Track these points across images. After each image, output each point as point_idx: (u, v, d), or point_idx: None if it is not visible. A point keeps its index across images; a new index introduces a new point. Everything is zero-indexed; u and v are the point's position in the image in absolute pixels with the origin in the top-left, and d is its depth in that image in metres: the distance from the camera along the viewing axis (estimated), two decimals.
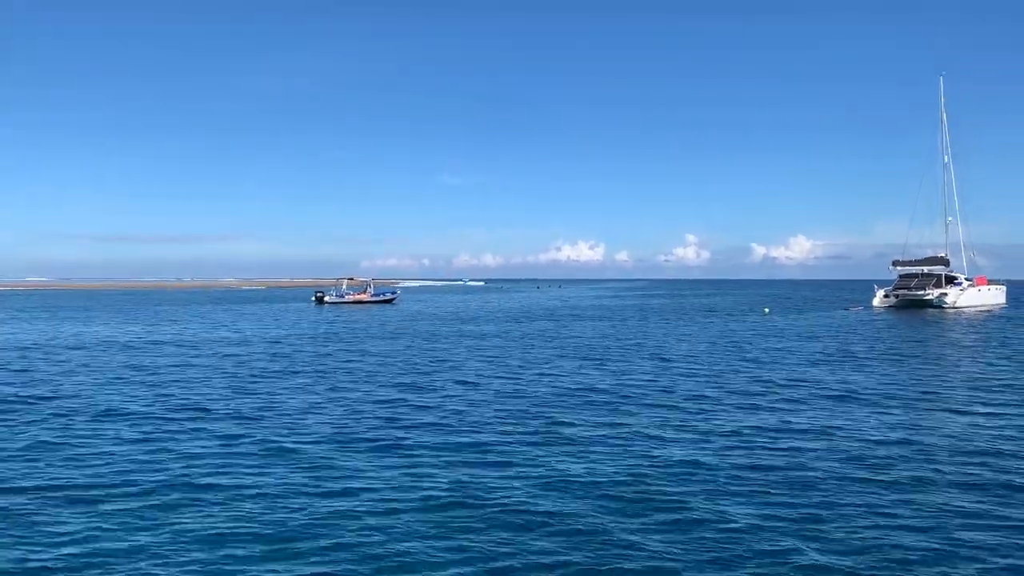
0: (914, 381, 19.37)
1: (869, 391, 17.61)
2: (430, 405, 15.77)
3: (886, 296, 63.90)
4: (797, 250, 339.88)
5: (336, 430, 13.19)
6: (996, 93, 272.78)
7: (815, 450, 11.66)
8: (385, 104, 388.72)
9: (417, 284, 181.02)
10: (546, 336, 34.45)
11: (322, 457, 11.23)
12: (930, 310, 57.42)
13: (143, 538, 7.85)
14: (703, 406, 15.63)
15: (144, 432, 12.96)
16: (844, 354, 26.21)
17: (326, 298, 69.99)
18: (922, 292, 60.90)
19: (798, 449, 11.73)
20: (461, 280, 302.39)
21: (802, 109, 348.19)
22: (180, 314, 55.52)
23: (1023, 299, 76.73)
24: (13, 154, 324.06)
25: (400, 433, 12.94)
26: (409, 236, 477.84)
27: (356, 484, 9.77)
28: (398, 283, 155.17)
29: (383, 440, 12.38)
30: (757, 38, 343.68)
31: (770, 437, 12.59)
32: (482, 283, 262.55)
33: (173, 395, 17.02)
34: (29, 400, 16.45)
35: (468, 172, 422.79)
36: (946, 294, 59.68)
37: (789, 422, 13.91)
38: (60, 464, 10.80)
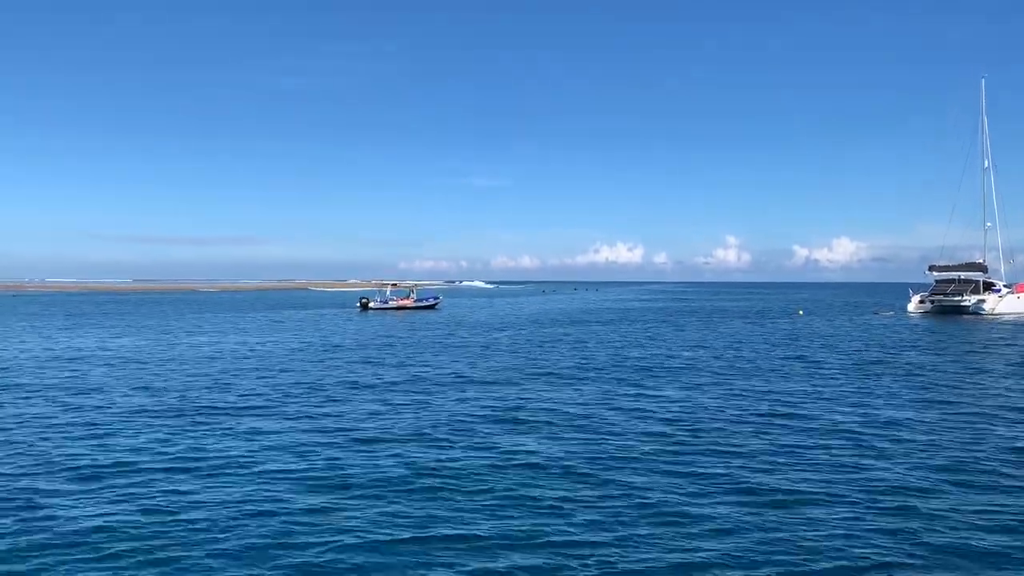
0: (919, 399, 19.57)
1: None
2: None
3: (921, 302, 63.06)
4: (840, 252, 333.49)
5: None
6: None
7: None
8: (419, 105, 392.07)
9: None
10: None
11: None
12: (966, 317, 56.58)
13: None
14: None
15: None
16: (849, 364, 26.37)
17: (370, 304, 69.52)
18: (959, 298, 59.96)
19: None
20: (459, 282, 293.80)
21: (844, 106, 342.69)
22: (240, 321, 56.96)
23: None
24: (36, 155, 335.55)
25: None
26: (448, 238, 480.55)
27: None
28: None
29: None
30: (800, 39, 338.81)
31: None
32: (494, 286, 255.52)
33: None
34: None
35: (506, 174, 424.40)
36: (984, 301, 58.68)
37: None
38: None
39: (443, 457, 12.30)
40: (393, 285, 77.22)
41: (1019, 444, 13.19)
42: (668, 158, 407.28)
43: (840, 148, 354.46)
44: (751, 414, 16.23)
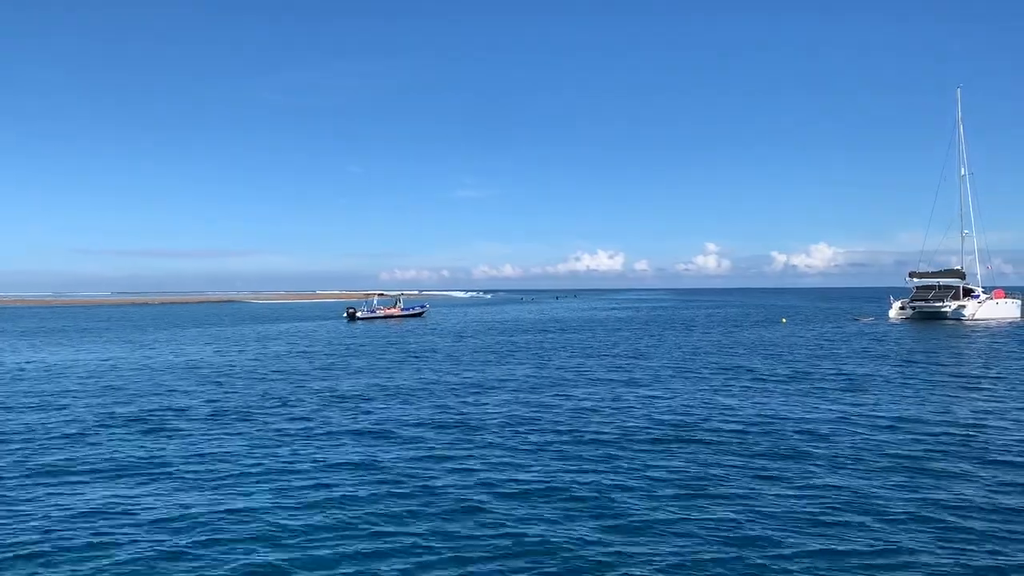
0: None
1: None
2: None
3: (902, 308, 63.91)
4: (819, 257, 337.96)
5: None
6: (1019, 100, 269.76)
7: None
8: (401, 119, 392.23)
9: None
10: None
11: None
12: (947, 322, 57.42)
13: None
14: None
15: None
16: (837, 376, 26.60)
17: (358, 313, 70.24)
18: (939, 304, 60.87)
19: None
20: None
21: (823, 117, 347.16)
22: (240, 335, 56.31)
23: None
24: (33, 170, 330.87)
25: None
26: (429, 249, 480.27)
27: None
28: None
29: None
30: (779, 47, 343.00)
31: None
32: (469, 296, 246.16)
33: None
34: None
35: (487, 185, 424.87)
36: (964, 307, 59.56)
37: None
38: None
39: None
40: (380, 295, 79.15)
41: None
42: (649, 165, 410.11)
43: (818, 155, 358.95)
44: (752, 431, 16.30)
